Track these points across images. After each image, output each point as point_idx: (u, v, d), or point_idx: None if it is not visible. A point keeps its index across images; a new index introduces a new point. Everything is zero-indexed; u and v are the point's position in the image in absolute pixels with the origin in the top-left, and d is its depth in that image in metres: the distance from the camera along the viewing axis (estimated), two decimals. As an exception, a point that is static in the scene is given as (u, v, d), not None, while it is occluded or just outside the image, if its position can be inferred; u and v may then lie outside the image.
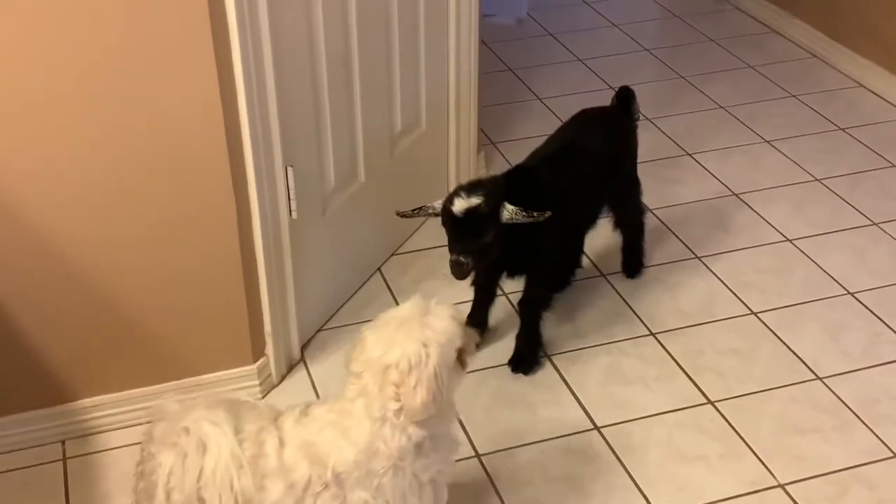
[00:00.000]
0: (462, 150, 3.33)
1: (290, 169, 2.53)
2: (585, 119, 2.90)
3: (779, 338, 2.85)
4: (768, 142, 3.78)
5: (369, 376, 1.85)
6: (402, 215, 2.57)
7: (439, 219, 2.49)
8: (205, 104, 2.24)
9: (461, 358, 1.92)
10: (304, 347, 2.82)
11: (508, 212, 2.41)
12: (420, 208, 2.52)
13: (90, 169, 2.24)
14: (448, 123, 3.25)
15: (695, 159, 3.69)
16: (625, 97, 2.93)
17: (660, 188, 3.51)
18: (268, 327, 2.63)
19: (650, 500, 2.37)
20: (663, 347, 2.83)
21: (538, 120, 3.85)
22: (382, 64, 2.85)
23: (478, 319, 2.81)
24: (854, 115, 3.94)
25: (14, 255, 2.29)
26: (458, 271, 2.44)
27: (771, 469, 2.45)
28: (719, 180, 3.57)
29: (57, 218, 2.27)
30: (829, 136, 3.81)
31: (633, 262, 3.10)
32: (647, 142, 3.76)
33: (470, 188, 2.44)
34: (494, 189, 2.45)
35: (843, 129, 3.85)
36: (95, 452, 2.49)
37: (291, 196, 2.57)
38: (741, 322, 2.92)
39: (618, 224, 3.00)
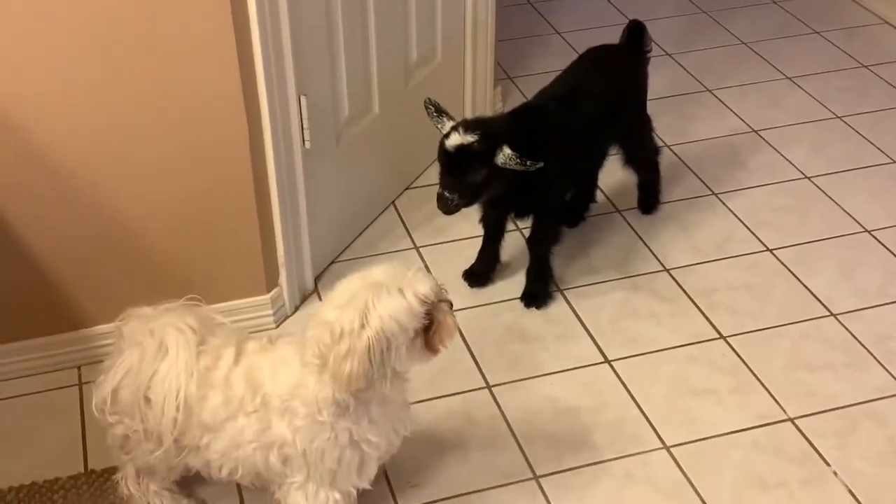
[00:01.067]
0: (478, 84, 3.30)
1: (303, 98, 2.52)
2: (593, 57, 2.87)
3: (794, 274, 2.84)
4: (790, 79, 3.73)
5: (310, 327, 1.85)
6: (429, 106, 2.51)
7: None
8: (216, 30, 2.23)
9: (430, 341, 1.86)
10: (317, 279, 2.83)
11: (504, 156, 2.38)
12: (443, 113, 2.49)
13: (103, 98, 2.24)
14: (464, 56, 3.22)
15: (714, 95, 3.65)
16: (635, 31, 2.88)
17: (678, 124, 3.48)
18: (281, 258, 2.64)
19: (659, 432, 2.38)
20: (677, 283, 2.82)
21: (556, 55, 3.80)
22: (398, -7, 2.82)
23: (488, 256, 2.81)
24: (878, 53, 3.88)
25: (29, 182, 2.29)
26: (444, 206, 2.43)
27: (781, 403, 2.45)
28: (739, 117, 3.53)
29: (71, 145, 2.27)
30: (851, 74, 3.76)
31: (648, 198, 3.08)
32: (667, 77, 3.74)
33: (469, 125, 2.41)
34: (495, 129, 2.43)
35: (866, 67, 3.79)
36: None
37: (305, 125, 2.56)
38: (756, 259, 2.91)
39: (629, 162, 2.98)
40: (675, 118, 3.51)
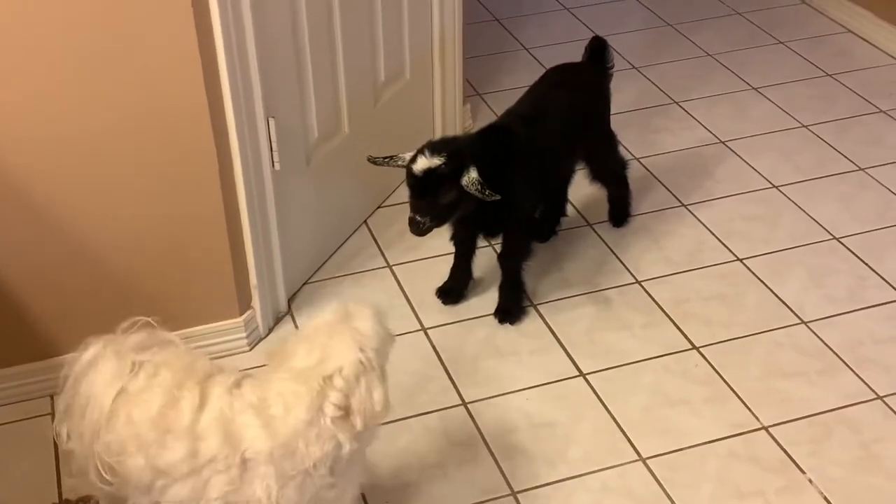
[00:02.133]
0: (448, 101, 3.31)
1: (271, 120, 2.52)
2: (556, 76, 2.88)
3: (764, 283, 2.86)
4: (756, 89, 3.77)
5: (302, 382, 1.76)
6: (373, 161, 2.55)
7: None
8: (182, 55, 2.22)
9: None
10: (290, 300, 2.82)
11: (468, 178, 2.38)
12: (391, 157, 2.51)
13: (70, 121, 2.23)
14: (433, 73, 3.23)
15: (682, 107, 3.68)
16: (597, 49, 2.90)
17: (647, 137, 3.50)
18: (254, 280, 2.63)
19: (634, 444, 2.39)
20: (649, 295, 2.84)
21: (525, 70, 3.82)
22: (365, 11, 2.83)
23: (460, 274, 2.81)
24: (843, 62, 3.92)
25: (-4, 210, 2.28)
26: (416, 229, 2.44)
27: (755, 412, 2.46)
28: (706, 128, 3.56)
29: (39, 171, 2.26)
30: (817, 83, 3.80)
31: (619, 212, 3.10)
32: (634, 90, 3.76)
33: (435, 147, 2.41)
34: (461, 149, 2.43)
35: (831, 76, 3.84)
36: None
37: (274, 147, 2.56)
38: (727, 269, 2.93)
39: (596, 177, 2.98)
40: (642, 131, 3.53)
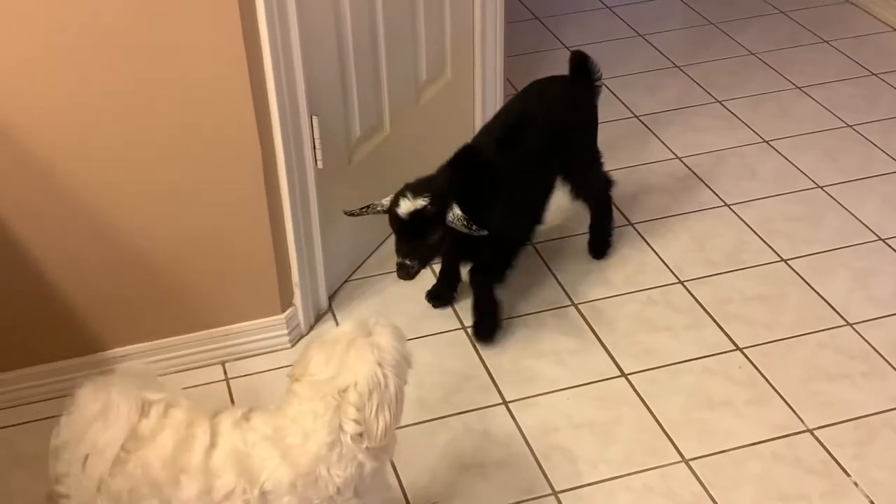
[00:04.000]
0: (488, 99, 3.30)
1: (315, 118, 2.53)
2: (534, 91, 2.75)
3: (808, 284, 2.83)
4: (800, 88, 3.73)
5: (319, 399, 1.73)
6: (350, 214, 2.47)
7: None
8: (229, 53, 2.24)
9: None
10: (331, 297, 2.83)
11: (453, 215, 2.34)
12: (368, 206, 2.44)
13: (115, 119, 2.25)
14: (473, 72, 3.22)
15: (724, 106, 3.65)
16: (579, 61, 2.79)
17: (689, 136, 3.48)
18: (295, 277, 2.65)
19: (676, 444, 2.37)
20: (691, 295, 2.82)
21: (564, 69, 3.79)
22: (407, 9, 2.83)
23: (447, 277, 2.77)
24: (887, 61, 3.87)
25: (42, 206, 2.31)
26: (405, 274, 2.38)
27: (799, 414, 2.44)
28: (749, 127, 3.52)
29: (84, 168, 2.29)
30: (861, 82, 3.76)
31: (599, 240, 2.95)
32: (676, 89, 3.74)
33: (416, 188, 2.35)
34: (442, 187, 2.37)
35: (876, 75, 3.79)
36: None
37: (317, 146, 2.57)
38: (770, 269, 2.90)
39: (578, 195, 2.84)
40: (684, 129, 3.51)
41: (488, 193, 2.48)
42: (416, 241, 2.36)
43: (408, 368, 1.83)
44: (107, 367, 2.53)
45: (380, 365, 1.74)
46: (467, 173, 2.48)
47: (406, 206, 2.33)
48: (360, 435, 1.74)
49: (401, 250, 2.38)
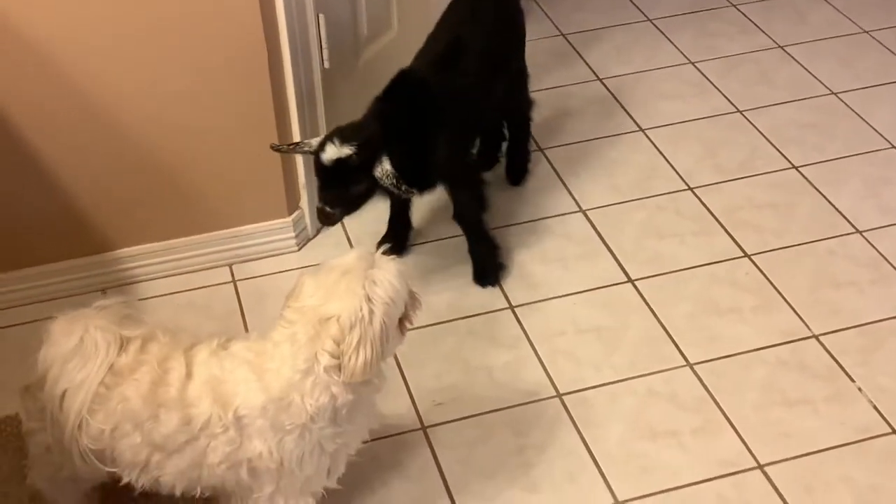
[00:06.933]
0: None
1: (321, 16, 2.48)
2: (465, 8, 2.55)
3: (819, 192, 2.81)
4: (817, -8, 3.66)
5: (301, 325, 1.70)
6: (277, 149, 2.37)
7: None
8: (233, -52, 2.19)
9: (402, 322, 1.79)
10: (338, 201, 2.82)
11: (382, 171, 2.21)
12: (296, 144, 2.33)
13: (121, 19, 2.21)
14: (484, -27, 3.15)
15: (739, 10, 3.57)
16: None
17: (702, 41, 3.42)
18: (302, 179, 2.63)
19: (682, 350, 2.38)
20: (701, 202, 2.80)
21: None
22: None
23: (397, 224, 2.63)
24: (908, -35, 3.78)
25: (52, 107, 2.29)
26: (325, 220, 2.29)
27: (805, 320, 2.44)
28: (764, 32, 3.46)
29: (92, 67, 2.26)
30: (880, -13, 3.68)
31: (518, 166, 2.85)
32: (691, -8, 3.67)
33: (345, 134, 2.21)
34: (373, 135, 2.23)
35: (895, -20, 3.71)
36: (130, 300, 2.52)
37: (323, 45, 2.53)
38: (781, 177, 2.88)
39: (503, 114, 2.73)
40: (698, 35, 3.45)
41: (427, 120, 2.33)
42: (338, 190, 2.24)
43: (402, 308, 1.77)
44: (115, 268, 2.55)
45: (368, 300, 1.69)
46: (404, 107, 2.32)
47: (331, 153, 2.19)
48: (337, 367, 1.70)
49: (322, 196, 2.26)
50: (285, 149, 2.36)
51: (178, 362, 1.74)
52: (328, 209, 2.25)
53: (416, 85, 2.37)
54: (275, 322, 1.77)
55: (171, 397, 1.72)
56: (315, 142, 2.26)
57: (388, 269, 1.74)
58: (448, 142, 2.38)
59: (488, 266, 2.58)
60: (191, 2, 2.23)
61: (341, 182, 2.23)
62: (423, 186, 2.41)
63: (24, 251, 2.47)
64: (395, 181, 2.22)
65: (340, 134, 2.21)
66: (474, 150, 2.70)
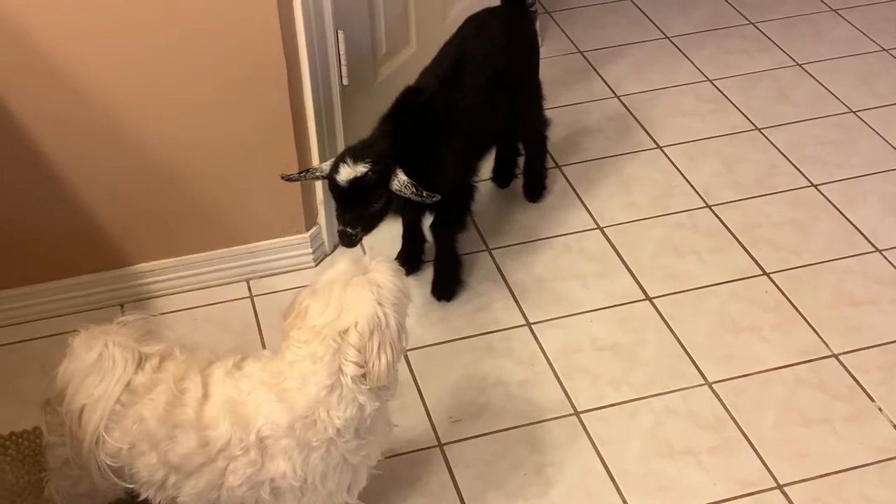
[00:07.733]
0: (516, 19, 3.24)
1: (340, 33, 2.49)
2: (471, 25, 2.57)
3: (838, 209, 2.80)
4: (834, 10, 3.64)
5: (318, 342, 1.70)
6: (288, 179, 2.34)
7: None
8: (253, -35, 2.21)
9: None
10: (356, 217, 2.82)
11: (399, 182, 2.20)
12: (307, 171, 2.31)
13: (142, 32, 2.23)
14: (502, -10, 3.16)
15: (758, 28, 3.57)
16: None
17: (721, 58, 3.42)
18: (320, 195, 2.64)
19: (700, 368, 2.37)
20: (719, 219, 2.79)
21: (596, -12, 3.75)
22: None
23: (410, 241, 2.65)
24: (927, -17, 3.77)
25: (73, 120, 2.30)
26: (347, 242, 2.25)
27: (825, 339, 2.43)
28: (783, 50, 3.45)
29: (113, 82, 2.27)
30: (898, 6, 3.67)
31: (535, 183, 2.86)
32: (708, 9, 3.67)
33: (356, 152, 2.20)
34: (384, 150, 2.23)
35: (914, -2, 3.70)
36: (151, 316, 2.53)
37: (342, 61, 2.53)
38: (800, 194, 2.87)
39: (517, 134, 2.75)
40: (716, 52, 3.45)
41: (437, 140, 2.34)
42: (357, 210, 2.22)
43: (407, 304, 1.79)
44: (133, 283, 2.56)
45: (379, 303, 1.71)
46: (411, 124, 2.32)
47: (346, 174, 2.18)
48: (362, 376, 1.71)
49: (342, 218, 2.25)
50: (296, 177, 2.34)
51: (194, 382, 1.75)
52: (349, 230, 2.23)
53: (420, 99, 2.37)
54: (282, 342, 1.77)
55: (187, 418, 1.73)
56: (326, 165, 2.26)
57: (385, 270, 1.75)
58: (452, 156, 2.40)
59: (449, 281, 2.59)
60: (211, 19, 2.25)
61: (360, 201, 2.22)
62: (430, 207, 2.40)
63: (44, 265, 2.48)
64: (414, 189, 2.21)
65: (352, 153, 2.21)
66: (489, 167, 2.69)
